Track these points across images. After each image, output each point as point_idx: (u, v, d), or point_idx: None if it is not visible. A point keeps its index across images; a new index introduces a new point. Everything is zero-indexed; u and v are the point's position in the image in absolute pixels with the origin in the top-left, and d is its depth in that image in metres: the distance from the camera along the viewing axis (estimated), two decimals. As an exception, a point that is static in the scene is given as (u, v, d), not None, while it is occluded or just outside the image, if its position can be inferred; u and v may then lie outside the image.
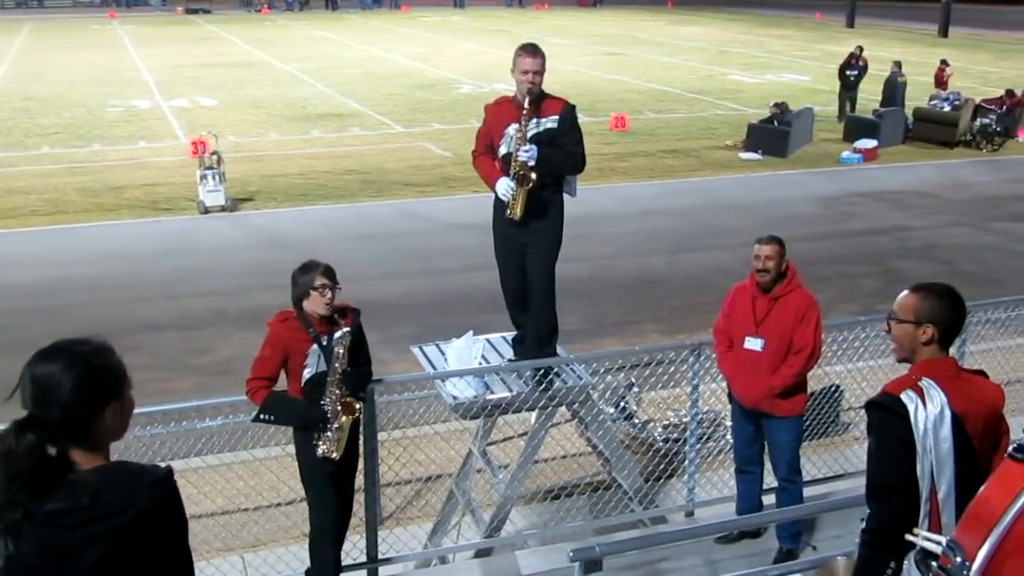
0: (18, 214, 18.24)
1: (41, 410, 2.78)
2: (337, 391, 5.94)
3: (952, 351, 8.60)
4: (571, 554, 4.56)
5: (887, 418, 3.90)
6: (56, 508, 2.72)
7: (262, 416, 6.02)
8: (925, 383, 3.89)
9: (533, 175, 6.64)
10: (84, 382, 2.81)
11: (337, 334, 5.96)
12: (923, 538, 3.42)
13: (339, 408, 5.93)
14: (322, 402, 5.93)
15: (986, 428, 3.96)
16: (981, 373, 4.25)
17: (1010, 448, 2.74)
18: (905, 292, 4.12)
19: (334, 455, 5.97)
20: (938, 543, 3.19)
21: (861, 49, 28.50)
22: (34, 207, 18.72)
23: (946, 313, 4.02)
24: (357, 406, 6.00)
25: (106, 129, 26.17)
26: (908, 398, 3.85)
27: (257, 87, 33.50)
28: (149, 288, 14.26)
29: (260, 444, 8.08)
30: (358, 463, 6.43)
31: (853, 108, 27.48)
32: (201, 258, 15.74)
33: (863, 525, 3.97)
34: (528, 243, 6.90)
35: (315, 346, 5.96)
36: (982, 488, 2.75)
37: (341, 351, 5.94)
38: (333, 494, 6.16)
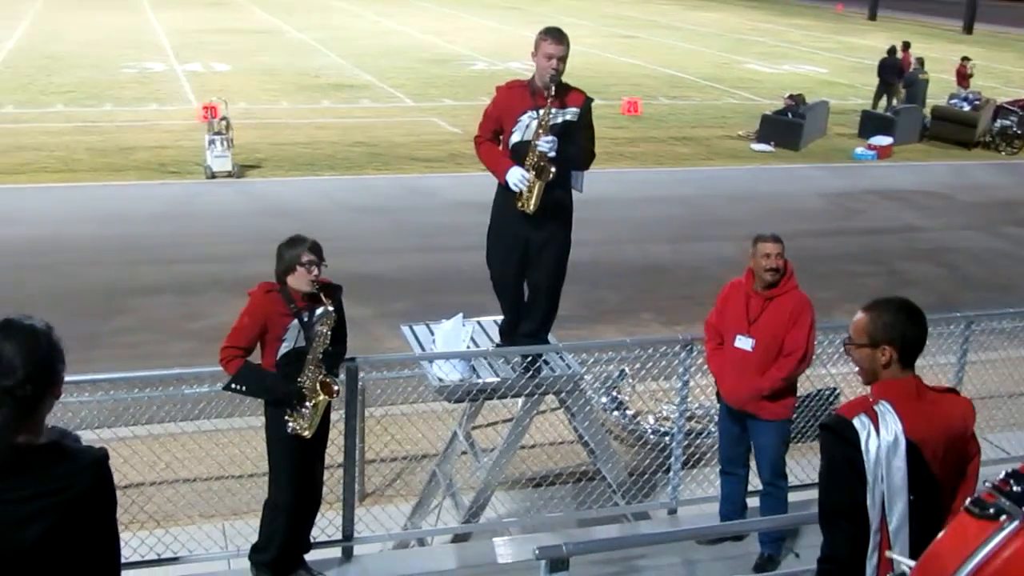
0: (27, 170, 18.30)
1: (7, 385, 2.74)
2: (316, 370, 5.82)
3: (951, 360, 8.40)
4: (536, 552, 4.44)
5: (837, 443, 3.69)
6: (4, 484, 2.71)
7: (233, 386, 5.90)
8: (881, 407, 3.66)
9: (553, 168, 6.35)
10: (43, 359, 2.81)
11: (319, 311, 5.83)
12: (896, 560, 3.30)
13: (317, 387, 5.79)
14: (299, 380, 5.80)
15: (949, 452, 3.77)
16: (952, 391, 4.04)
17: (967, 502, 2.60)
18: (859, 313, 3.85)
19: (306, 433, 5.83)
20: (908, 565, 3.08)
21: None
22: (44, 164, 18.77)
23: (902, 330, 3.75)
24: (336, 387, 5.87)
25: (119, 90, 26.14)
26: (861, 423, 3.64)
27: (271, 55, 33.38)
28: (149, 251, 14.23)
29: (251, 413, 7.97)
30: (326, 443, 6.29)
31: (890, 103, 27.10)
32: (204, 223, 15.70)
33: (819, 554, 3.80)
34: (537, 243, 6.63)
35: (295, 321, 5.82)
36: (936, 540, 2.63)
37: (325, 330, 5.81)
38: (294, 472, 6.01)
